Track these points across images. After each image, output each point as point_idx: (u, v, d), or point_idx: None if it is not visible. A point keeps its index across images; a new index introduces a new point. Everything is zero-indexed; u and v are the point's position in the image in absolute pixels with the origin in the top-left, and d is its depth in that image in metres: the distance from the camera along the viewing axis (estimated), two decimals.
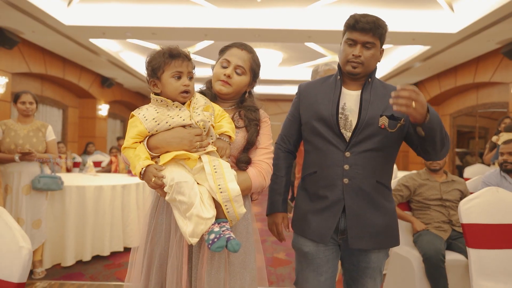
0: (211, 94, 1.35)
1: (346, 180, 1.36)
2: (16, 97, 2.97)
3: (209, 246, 1.04)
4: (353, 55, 1.37)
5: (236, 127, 1.28)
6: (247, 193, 1.26)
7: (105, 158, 6.73)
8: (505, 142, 2.47)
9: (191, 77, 1.20)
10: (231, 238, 1.06)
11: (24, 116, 2.98)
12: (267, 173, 1.27)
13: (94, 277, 3.03)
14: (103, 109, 9.25)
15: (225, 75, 1.28)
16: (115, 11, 5.24)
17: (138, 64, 8.21)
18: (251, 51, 1.35)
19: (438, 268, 2.14)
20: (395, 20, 5.28)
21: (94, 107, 9.01)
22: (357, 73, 1.39)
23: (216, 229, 1.06)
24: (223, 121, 1.23)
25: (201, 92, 1.36)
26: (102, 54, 6.87)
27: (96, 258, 3.47)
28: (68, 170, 5.99)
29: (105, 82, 9.00)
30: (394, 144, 1.41)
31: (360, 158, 1.36)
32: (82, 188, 3.31)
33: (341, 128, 1.39)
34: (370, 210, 1.37)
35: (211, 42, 6.46)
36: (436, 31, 5.37)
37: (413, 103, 1.13)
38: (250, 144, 1.27)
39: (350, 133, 1.38)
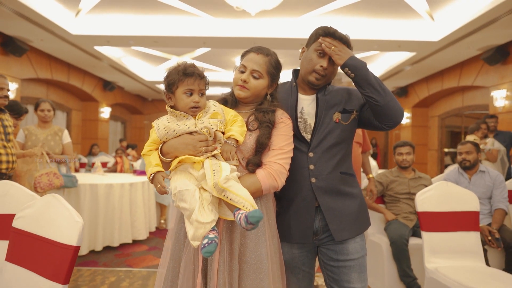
0: (232, 99, 1.42)
1: (313, 180, 1.41)
2: (36, 105, 3.34)
3: (201, 250, 1.07)
4: (321, 66, 1.40)
5: (249, 129, 1.31)
6: (258, 195, 1.27)
7: (109, 159, 7.07)
8: (462, 143, 2.86)
9: (202, 94, 1.27)
10: (246, 214, 1.06)
11: (43, 122, 3.35)
12: (279, 174, 1.27)
13: (107, 264, 3.41)
14: (105, 111, 9.57)
15: (241, 80, 1.33)
16: (120, 21, 5.58)
17: (139, 68, 8.56)
18: (268, 54, 1.37)
19: (402, 250, 2.53)
20: (382, 28, 5.64)
21: (96, 110, 9.34)
22: (318, 85, 1.44)
23: (211, 235, 1.09)
24: (234, 125, 1.28)
25: (224, 98, 1.43)
26: (105, 59, 7.21)
27: (107, 248, 3.86)
28: (76, 171, 6.35)
29: (107, 85, 9.33)
30: (350, 135, 1.50)
31: (323, 155, 1.42)
32: (95, 186, 3.69)
33: (301, 131, 1.44)
34: (341, 200, 1.42)
35: (209, 49, 6.83)
36: (419, 39, 5.74)
37: (332, 47, 1.37)
38: (260, 146, 1.28)
39: (310, 135, 1.44)
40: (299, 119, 1.45)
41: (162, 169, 1.23)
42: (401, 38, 5.72)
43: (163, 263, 1.33)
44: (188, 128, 1.23)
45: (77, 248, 1.26)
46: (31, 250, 1.32)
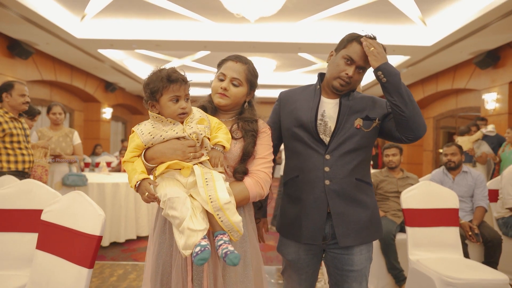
0: (212, 107, 1.40)
1: (327, 182, 1.40)
2: (48, 109, 3.55)
3: (193, 258, 1.04)
4: (346, 73, 1.40)
5: (234, 138, 1.31)
6: (245, 203, 1.29)
7: (111, 159, 7.27)
8: (447, 146, 3.06)
9: (187, 99, 1.24)
10: (229, 252, 1.06)
11: (55, 125, 3.55)
12: (265, 182, 1.29)
13: (114, 258, 3.62)
14: (107, 112, 9.76)
15: (221, 88, 1.32)
16: (123, 25, 5.78)
17: (139, 69, 8.75)
18: (246, 62, 1.37)
19: (389, 245, 2.73)
20: (377, 33, 5.77)
21: (98, 111, 9.53)
22: (341, 91, 1.44)
23: (203, 242, 1.06)
24: (219, 132, 1.27)
25: (203, 106, 1.40)
26: (107, 61, 7.40)
27: (113, 244, 4.07)
28: (81, 170, 6.54)
29: (109, 86, 9.52)
30: (370, 142, 1.48)
31: (340, 159, 1.41)
32: (102, 184, 3.90)
33: (320, 133, 1.43)
34: (353, 207, 1.42)
35: (210, 52, 7.02)
36: (413, 44, 5.94)
37: (372, 48, 1.35)
38: (246, 155, 1.30)
39: (329, 138, 1.43)
40: (319, 121, 1.46)
41: (149, 176, 1.19)
42: (395, 43, 5.91)
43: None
44: (177, 133, 1.20)
45: (100, 238, 1.45)
46: (59, 240, 1.51)
